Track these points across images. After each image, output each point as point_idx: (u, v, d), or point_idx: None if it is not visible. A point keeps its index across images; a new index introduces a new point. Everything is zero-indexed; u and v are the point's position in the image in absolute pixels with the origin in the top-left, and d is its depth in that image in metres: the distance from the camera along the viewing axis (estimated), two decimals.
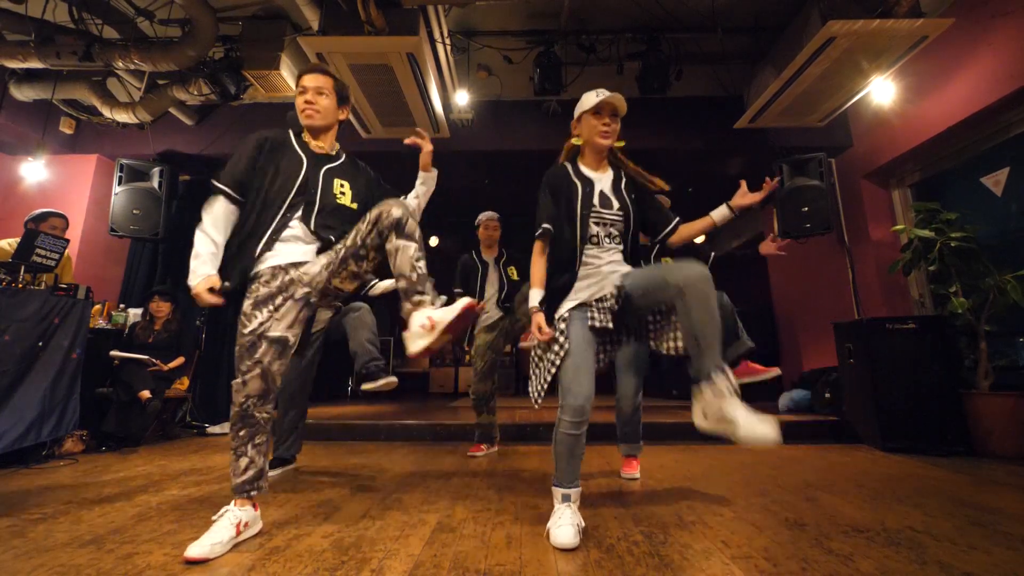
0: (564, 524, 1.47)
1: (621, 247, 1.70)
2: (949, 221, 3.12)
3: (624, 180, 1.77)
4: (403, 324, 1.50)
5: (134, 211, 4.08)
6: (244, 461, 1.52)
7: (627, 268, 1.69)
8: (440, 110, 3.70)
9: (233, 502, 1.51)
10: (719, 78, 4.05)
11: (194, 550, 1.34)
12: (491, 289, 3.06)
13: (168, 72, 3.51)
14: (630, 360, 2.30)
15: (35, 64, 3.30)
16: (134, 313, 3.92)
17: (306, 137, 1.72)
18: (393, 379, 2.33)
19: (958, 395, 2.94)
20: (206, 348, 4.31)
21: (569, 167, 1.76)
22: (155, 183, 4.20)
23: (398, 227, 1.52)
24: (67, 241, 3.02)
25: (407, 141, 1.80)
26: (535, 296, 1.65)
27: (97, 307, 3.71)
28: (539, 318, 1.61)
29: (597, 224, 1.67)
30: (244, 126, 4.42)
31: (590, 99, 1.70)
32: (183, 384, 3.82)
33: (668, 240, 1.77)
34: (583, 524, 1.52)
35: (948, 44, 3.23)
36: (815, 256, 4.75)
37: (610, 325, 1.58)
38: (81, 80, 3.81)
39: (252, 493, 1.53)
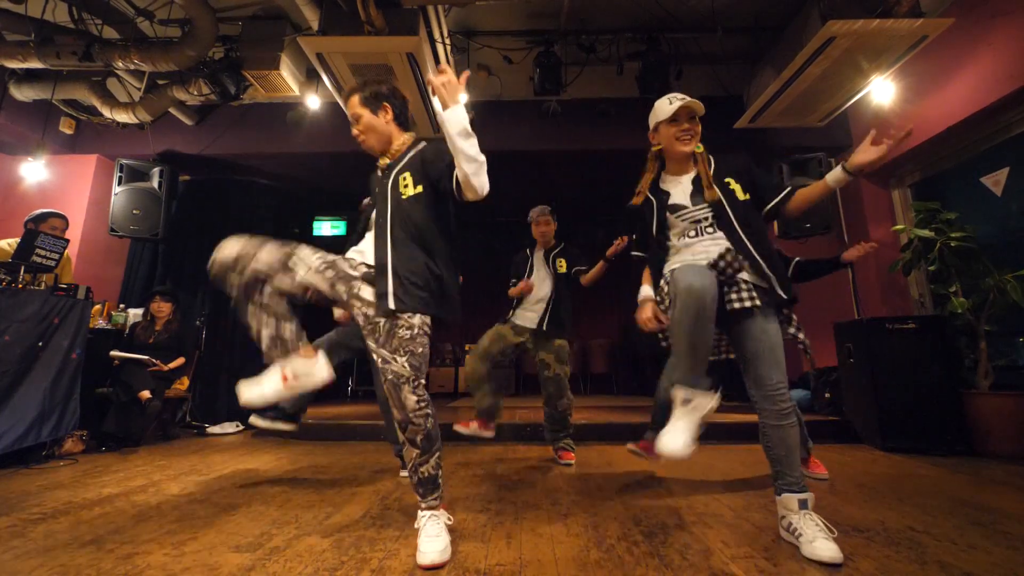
0: (676, 430, 1.44)
1: (721, 235, 1.63)
2: (949, 221, 3.11)
3: (711, 173, 1.69)
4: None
5: (134, 211, 4.08)
6: (272, 324, 1.46)
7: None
8: (440, 110, 3.70)
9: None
10: (719, 78, 4.05)
11: (428, 557, 1.32)
12: (538, 279, 2.81)
13: (168, 72, 3.51)
14: None
15: (35, 64, 3.30)
16: (134, 313, 3.92)
17: (380, 161, 1.66)
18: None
19: (958, 395, 2.94)
20: (206, 348, 4.31)
21: (647, 192, 1.81)
22: (155, 183, 4.20)
23: (402, 429, 1.48)
24: (67, 241, 3.02)
25: (428, 81, 1.57)
26: (645, 291, 1.75)
27: (97, 307, 3.71)
28: (651, 307, 1.66)
29: (684, 222, 1.68)
30: (244, 126, 4.42)
31: (664, 108, 1.68)
32: (183, 384, 3.82)
33: (785, 208, 1.67)
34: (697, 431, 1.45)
35: (948, 44, 3.23)
36: (815, 256, 4.75)
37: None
38: (81, 80, 3.81)
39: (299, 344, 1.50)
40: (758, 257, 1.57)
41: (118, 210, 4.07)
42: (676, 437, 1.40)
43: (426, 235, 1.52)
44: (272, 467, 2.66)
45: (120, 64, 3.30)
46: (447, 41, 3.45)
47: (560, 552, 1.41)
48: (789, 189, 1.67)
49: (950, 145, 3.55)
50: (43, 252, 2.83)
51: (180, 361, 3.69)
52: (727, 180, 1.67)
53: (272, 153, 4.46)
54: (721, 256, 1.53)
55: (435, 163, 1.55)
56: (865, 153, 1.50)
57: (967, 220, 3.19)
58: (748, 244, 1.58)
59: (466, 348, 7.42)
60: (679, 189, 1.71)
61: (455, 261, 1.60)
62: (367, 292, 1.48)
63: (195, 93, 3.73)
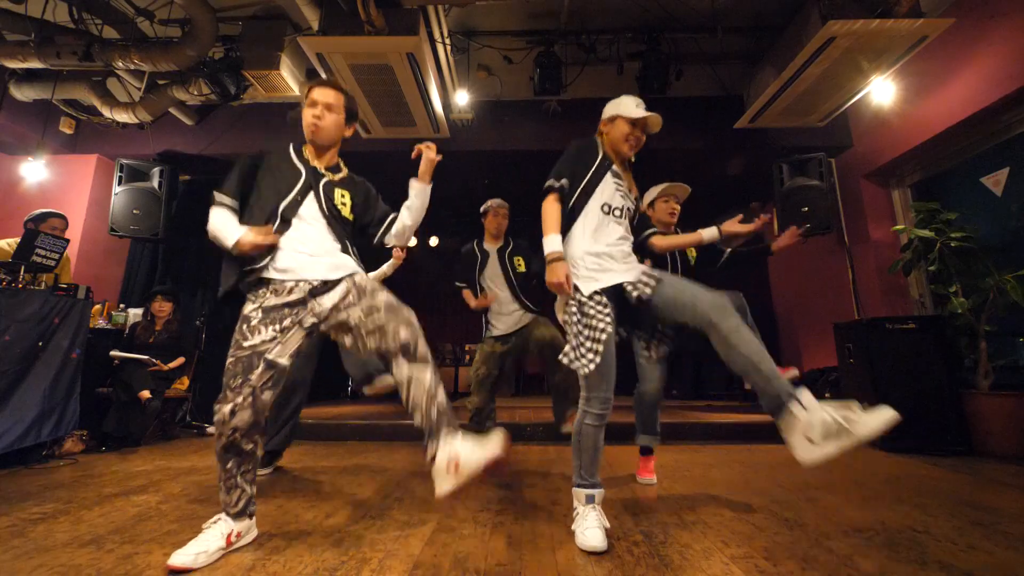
0: (592, 527, 1.44)
1: (628, 234, 1.76)
2: (949, 221, 3.12)
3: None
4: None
5: (134, 211, 4.08)
6: (236, 493, 1.42)
7: (637, 264, 1.71)
8: (440, 110, 3.70)
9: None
10: (719, 78, 4.05)
11: (178, 559, 1.27)
12: (495, 283, 2.75)
13: (168, 72, 3.51)
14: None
15: (35, 64, 3.30)
16: (134, 313, 3.92)
17: (307, 152, 1.67)
18: (390, 380, 2.14)
19: (958, 395, 2.94)
20: (206, 348, 4.31)
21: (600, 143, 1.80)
22: (155, 183, 4.20)
23: (406, 351, 1.40)
24: (67, 241, 3.01)
25: (415, 155, 1.74)
26: (553, 242, 1.58)
27: (97, 307, 3.71)
28: (564, 267, 1.55)
29: (618, 193, 1.71)
30: (244, 126, 4.42)
31: (630, 107, 1.71)
32: (183, 384, 3.82)
33: (648, 243, 1.85)
34: (608, 525, 1.49)
35: (948, 44, 3.23)
36: (815, 256, 4.76)
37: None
38: (81, 80, 3.81)
39: (247, 516, 1.46)
40: None
41: (118, 210, 4.07)
42: (595, 534, 1.42)
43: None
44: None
45: (120, 64, 3.30)
46: (447, 41, 3.45)
47: (560, 552, 1.41)
48: (652, 231, 1.87)
49: (950, 145, 3.55)
50: (43, 252, 2.83)
51: (180, 361, 3.69)
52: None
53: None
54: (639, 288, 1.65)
55: (373, 210, 1.73)
56: (734, 227, 1.88)
57: (967, 220, 3.19)
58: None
59: (466, 348, 7.42)
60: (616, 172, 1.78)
61: None
62: (328, 300, 1.49)
63: (195, 93, 3.73)
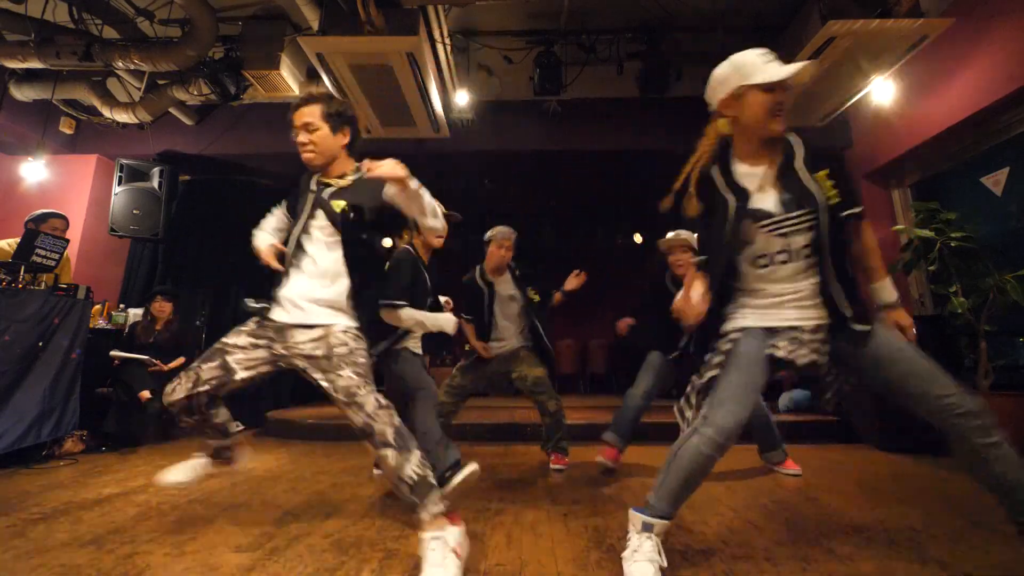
0: (641, 560, 1.19)
1: (813, 260, 1.27)
2: (949, 221, 3.11)
3: (799, 158, 1.31)
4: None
5: (134, 211, 4.08)
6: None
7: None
8: (440, 110, 3.70)
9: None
10: None
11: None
12: (506, 319, 2.60)
13: (168, 72, 3.50)
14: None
15: (35, 64, 3.30)
16: (134, 313, 3.92)
17: (320, 175, 1.61)
18: (475, 468, 1.81)
19: None
20: (206, 348, 4.31)
21: (717, 172, 1.38)
22: (155, 183, 4.20)
23: (365, 435, 1.35)
24: (67, 241, 3.01)
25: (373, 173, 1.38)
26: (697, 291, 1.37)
27: (97, 307, 3.71)
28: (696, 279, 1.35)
29: (767, 236, 1.28)
30: (244, 126, 4.42)
31: (759, 68, 1.25)
32: None
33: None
34: (665, 564, 1.21)
35: (948, 44, 3.23)
36: None
37: (805, 360, 1.26)
38: (81, 80, 3.81)
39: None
40: (841, 297, 1.27)
41: (118, 210, 4.06)
42: (643, 569, 1.18)
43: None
44: (272, 467, 2.66)
45: (120, 64, 3.30)
46: (447, 41, 3.45)
47: (560, 552, 1.41)
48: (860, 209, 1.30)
49: (950, 145, 3.55)
50: (43, 252, 2.83)
51: (180, 361, 3.68)
52: (817, 176, 1.27)
53: (272, 153, 4.45)
54: (798, 333, 1.27)
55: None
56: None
57: (967, 220, 3.18)
58: (838, 283, 1.27)
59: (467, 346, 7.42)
60: (757, 185, 1.31)
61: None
62: (298, 337, 1.49)
63: (195, 93, 3.73)
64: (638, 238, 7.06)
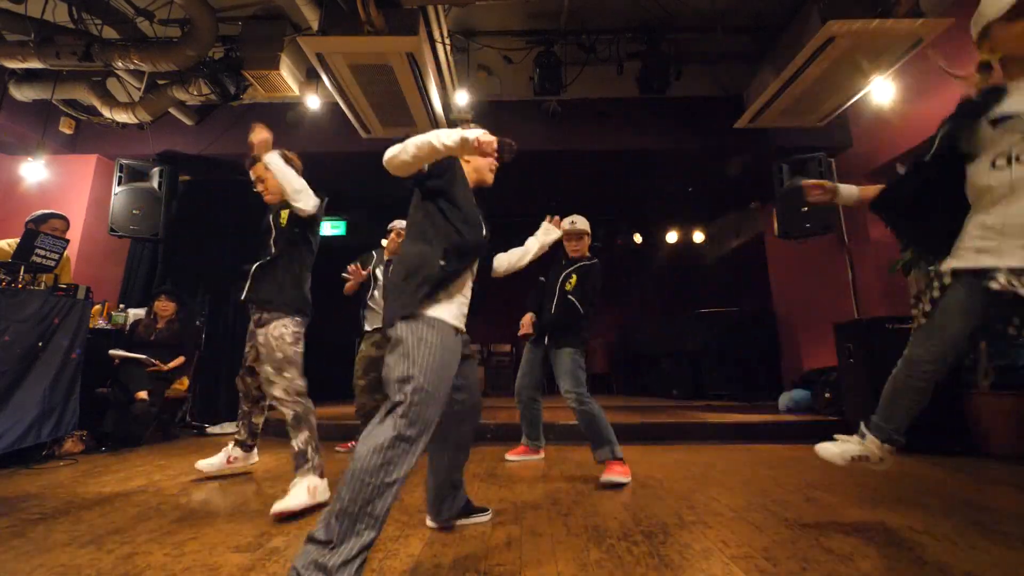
0: (835, 444, 1.56)
1: None
2: None
3: None
4: None
5: (134, 211, 4.08)
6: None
7: None
8: (440, 110, 3.70)
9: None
10: (718, 78, 4.05)
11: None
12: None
13: (168, 72, 3.50)
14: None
15: (35, 64, 3.30)
16: (134, 313, 3.92)
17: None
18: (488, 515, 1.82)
19: (958, 395, 2.94)
20: (206, 348, 4.31)
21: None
22: (155, 183, 4.20)
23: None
24: (67, 241, 3.01)
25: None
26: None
27: (97, 307, 3.71)
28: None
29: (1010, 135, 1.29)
30: (244, 126, 4.38)
31: (997, 2, 1.32)
32: (183, 384, 3.82)
33: None
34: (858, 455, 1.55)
35: (948, 44, 3.22)
36: (815, 256, 4.75)
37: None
38: (81, 80, 3.81)
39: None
40: None
41: (118, 210, 4.06)
42: (831, 448, 1.54)
43: None
44: (272, 467, 2.66)
45: (120, 64, 3.30)
46: (447, 41, 3.45)
47: (560, 552, 1.41)
48: None
49: None
50: (43, 252, 2.83)
51: (180, 360, 3.68)
52: None
53: None
54: None
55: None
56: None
57: None
58: None
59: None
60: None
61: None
62: (259, 333, 2.13)
63: (195, 93, 3.73)
64: (638, 238, 7.07)
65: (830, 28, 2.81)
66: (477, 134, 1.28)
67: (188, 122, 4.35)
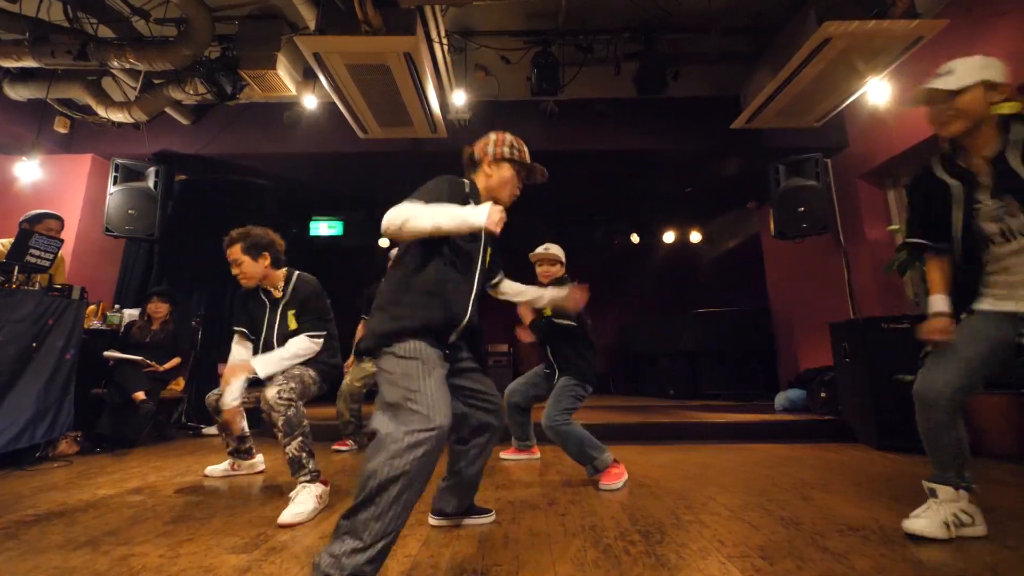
0: (921, 515, 1.48)
1: None
2: None
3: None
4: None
5: (129, 211, 4.06)
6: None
7: None
8: (437, 110, 3.70)
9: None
10: (715, 79, 4.06)
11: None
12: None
13: (164, 71, 3.49)
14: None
15: (29, 63, 3.28)
16: (129, 314, 3.90)
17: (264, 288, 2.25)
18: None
19: None
20: (202, 349, 4.29)
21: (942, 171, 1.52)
22: (150, 183, 4.18)
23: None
24: (61, 241, 2.99)
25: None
26: (939, 303, 1.53)
27: (92, 308, 3.69)
28: (945, 323, 1.49)
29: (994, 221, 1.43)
30: (240, 126, 4.41)
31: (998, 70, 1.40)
32: (179, 385, 3.80)
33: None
34: (950, 520, 1.44)
35: (944, 45, 3.24)
36: (811, 256, 4.77)
37: None
38: (76, 79, 3.78)
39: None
40: None
41: (113, 210, 4.04)
42: (922, 522, 1.46)
43: None
44: (269, 468, 2.65)
45: (115, 63, 3.28)
46: (444, 41, 3.45)
47: (557, 552, 1.41)
48: None
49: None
50: (37, 252, 2.81)
51: (175, 361, 3.67)
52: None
53: (269, 153, 4.44)
54: None
55: (306, 312, 2.19)
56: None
57: None
58: None
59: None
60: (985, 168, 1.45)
61: None
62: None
63: (191, 92, 3.71)
64: (635, 238, 7.08)
65: (827, 29, 2.82)
66: (481, 220, 1.24)
67: (184, 122, 4.33)
